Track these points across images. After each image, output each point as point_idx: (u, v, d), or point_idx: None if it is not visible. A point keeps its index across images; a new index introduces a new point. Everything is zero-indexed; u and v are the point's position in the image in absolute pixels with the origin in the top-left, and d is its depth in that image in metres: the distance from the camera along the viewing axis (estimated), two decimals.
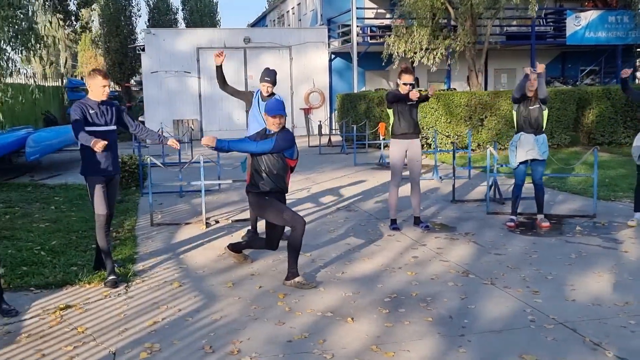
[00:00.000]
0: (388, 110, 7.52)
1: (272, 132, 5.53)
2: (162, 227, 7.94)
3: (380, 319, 4.66)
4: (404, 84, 7.25)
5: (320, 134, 18.21)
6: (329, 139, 18.72)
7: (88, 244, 6.82)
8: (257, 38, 23.03)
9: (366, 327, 4.51)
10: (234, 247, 6.16)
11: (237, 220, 8.25)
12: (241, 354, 4.09)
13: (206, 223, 7.96)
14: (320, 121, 19.69)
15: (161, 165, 9.84)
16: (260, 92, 7.05)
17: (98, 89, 5.57)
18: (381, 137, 14.28)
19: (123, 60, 31.85)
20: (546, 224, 7.52)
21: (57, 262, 6.15)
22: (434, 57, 17.43)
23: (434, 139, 12.62)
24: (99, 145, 5.17)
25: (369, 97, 17.39)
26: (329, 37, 23.44)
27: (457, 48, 17.14)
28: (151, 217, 8.13)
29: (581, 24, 21.75)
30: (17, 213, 8.73)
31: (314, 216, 8.40)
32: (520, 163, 7.50)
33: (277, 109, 5.50)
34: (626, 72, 7.48)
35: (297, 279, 5.46)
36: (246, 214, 8.46)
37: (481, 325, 4.49)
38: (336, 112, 20.60)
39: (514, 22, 22.40)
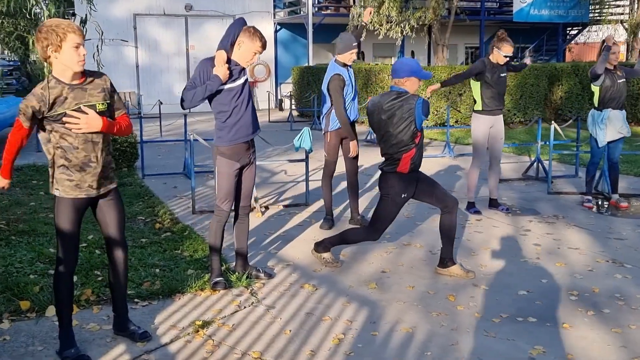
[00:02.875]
0: (474, 83, 6.84)
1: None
2: (207, 215, 6.86)
3: (594, 323, 4.02)
4: (505, 56, 6.61)
5: (281, 108, 17.23)
6: (290, 113, 17.74)
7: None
8: (200, 6, 21.46)
9: (592, 334, 3.86)
10: (324, 246, 5.13)
11: (287, 206, 7.31)
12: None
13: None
14: (287, 93, 18.57)
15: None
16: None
17: None
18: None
19: None
20: (625, 204, 7.17)
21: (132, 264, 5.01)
22: (402, 30, 16.85)
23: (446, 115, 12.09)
24: None
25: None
26: (274, 7, 22.29)
27: (427, 21, 16.65)
28: (193, 203, 7.01)
29: (527, 1, 21.93)
30: (15, 202, 7.30)
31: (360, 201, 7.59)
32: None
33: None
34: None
35: (453, 268, 4.82)
36: (290, 198, 7.54)
37: None
38: (293, 86, 19.61)
39: None
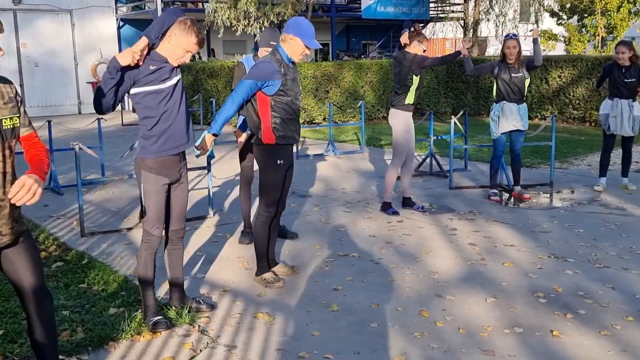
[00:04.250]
0: (415, 77, 6.48)
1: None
2: (99, 236, 5.93)
3: (579, 327, 3.85)
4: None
5: (135, 110, 16.00)
6: None
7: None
8: None
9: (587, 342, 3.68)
10: (260, 267, 4.65)
11: (189, 219, 6.53)
12: None
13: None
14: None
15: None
16: None
17: None
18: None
19: None
20: (527, 195, 7.30)
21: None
22: (261, 27, 16.35)
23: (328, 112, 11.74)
24: None
25: (195, 68, 15.72)
26: (116, 1, 20.74)
27: (287, 17, 16.29)
28: (82, 224, 6.02)
29: None
30: None
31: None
32: (502, 133, 7.12)
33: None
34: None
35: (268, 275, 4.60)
36: (195, 209, 6.79)
37: None
38: None
39: None
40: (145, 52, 3.65)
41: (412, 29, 6.51)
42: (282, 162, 4.50)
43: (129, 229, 6.22)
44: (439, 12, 24.33)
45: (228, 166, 9.39)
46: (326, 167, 9.40)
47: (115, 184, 8.24)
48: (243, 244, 5.63)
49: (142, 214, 6.42)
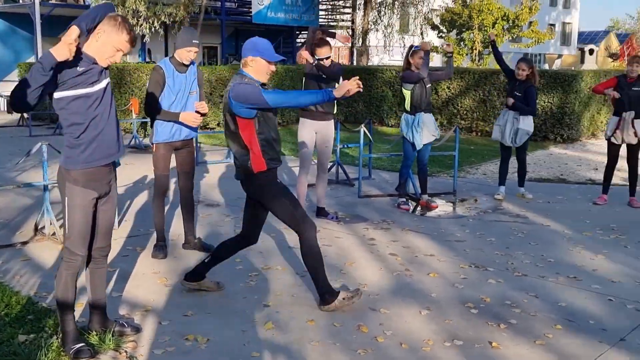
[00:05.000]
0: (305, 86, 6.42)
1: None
2: None
3: (514, 337, 3.91)
4: (319, 59, 6.27)
5: (10, 110, 14.88)
6: (22, 116, 15.36)
7: None
8: None
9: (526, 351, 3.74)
10: (197, 275, 4.49)
11: None
12: None
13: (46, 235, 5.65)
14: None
15: None
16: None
17: None
18: (134, 115, 12.28)
19: None
20: (434, 203, 7.45)
21: None
22: (151, 27, 15.75)
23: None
24: None
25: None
26: None
27: (179, 18, 15.81)
28: None
29: (264, 3, 22.31)
30: None
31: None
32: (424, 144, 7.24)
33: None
34: (492, 34, 7.83)
35: (341, 297, 4.23)
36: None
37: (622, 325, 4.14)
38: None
39: None
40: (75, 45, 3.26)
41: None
42: (279, 181, 4.26)
43: (24, 242, 5.67)
44: (329, 19, 24.64)
45: (125, 173, 8.86)
46: (228, 175, 9.13)
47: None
48: (157, 259, 5.29)
49: (37, 227, 5.90)
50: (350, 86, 3.85)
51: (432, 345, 3.76)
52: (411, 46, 7.26)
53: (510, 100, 7.57)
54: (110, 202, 3.66)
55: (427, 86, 7.09)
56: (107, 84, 3.49)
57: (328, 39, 6.59)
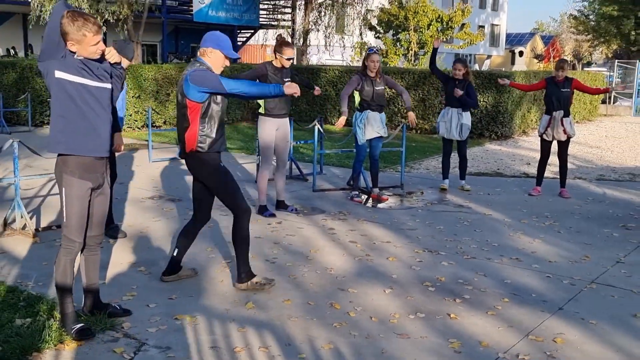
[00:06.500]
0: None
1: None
2: None
3: (469, 309, 4.42)
4: (288, 59, 6.69)
5: None
6: None
7: None
8: None
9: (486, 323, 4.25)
10: (173, 268, 4.81)
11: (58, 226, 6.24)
12: None
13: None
14: None
15: None
16: None
17: None
18: None
19: None
20: (385, 196, 7.95)
21: None
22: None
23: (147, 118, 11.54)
24: None
25: (21, 65, 14.62)
26: None
27: (122, 16, 15.80)
28: None
29: (205, 2, 22.41)
30: None
31: (160, 211, 6.98)
32: (367, 140, 7.72)
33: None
34: (437, 43, 8.36)
35: (254, 280, 4.66)
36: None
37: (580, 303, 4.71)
38: None
39: None
40: None
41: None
42: (223, 164, 4.56)
43: None
44: (270, 19, 24.94)
45: None
46: (184, 171, 9.36)
47: None
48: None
49: (6, 222, 6.03)
50: (297, 89, 4.28)
51: (398, 318, 4.22)
52: (368, 49, 7.75)
53: (459, 92, 8.14)
54: (104, 194, 3.94)
55: (377, 88, 7.57)
56: (109, 87, 3.77)
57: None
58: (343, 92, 7.56)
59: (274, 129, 6.87)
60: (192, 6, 22.13)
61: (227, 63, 4.45)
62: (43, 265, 5.05)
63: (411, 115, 7.82)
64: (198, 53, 4.47)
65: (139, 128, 14.40)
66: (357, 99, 7.68)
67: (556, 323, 4.21)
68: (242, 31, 26.24)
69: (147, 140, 12.05)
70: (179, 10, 22.83)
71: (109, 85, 3.77)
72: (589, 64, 59.44)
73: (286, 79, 6.79)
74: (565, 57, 30.52)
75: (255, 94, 4.43)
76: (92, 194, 3.86)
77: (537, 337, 3.97)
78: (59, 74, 3.60)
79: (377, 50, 7.62)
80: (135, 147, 11.78)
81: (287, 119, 7.00)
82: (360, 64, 26.68)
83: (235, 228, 4.60)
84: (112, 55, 3.78)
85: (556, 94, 8.07)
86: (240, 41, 26.30)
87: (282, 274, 5.02)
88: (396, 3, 25.02)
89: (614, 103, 24.24)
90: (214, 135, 4.44)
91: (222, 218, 6.63)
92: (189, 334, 3.89)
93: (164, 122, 14.67)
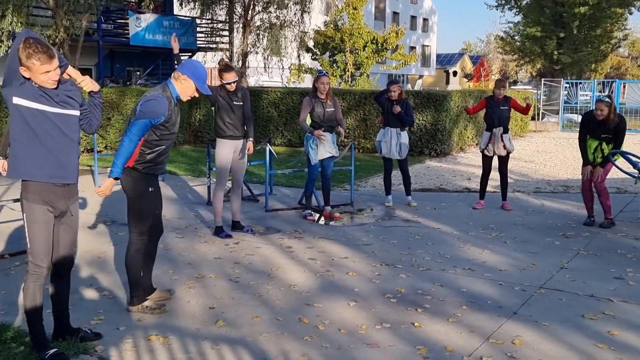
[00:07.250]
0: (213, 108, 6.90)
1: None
2: None
3: (431, 317, 4.64)
4: (227, 83, 6.83)
5: None
6: None
7: None
8: None
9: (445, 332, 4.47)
10: (145, 291, 4.78)
11: (15, 254, 6.14)
12: None
13: None
14: None
15: None
16: None
17: None
18: None
19: None
20: (337, 214, 8.15)
21: None
22: None
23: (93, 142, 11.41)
24: None
25: None
26: None
27: (58, 40, 15.55)
28: None
29: (142, 25, 22.26)
30: None
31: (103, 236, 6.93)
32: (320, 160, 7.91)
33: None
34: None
35: (145, 304, 4.68)
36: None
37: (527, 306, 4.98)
38: None
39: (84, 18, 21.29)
40: None
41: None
42: (152, 189, 4.62)
43: None
44: (208, 42, 24.96)
45: None
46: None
47: None
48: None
49: None
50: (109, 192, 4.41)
51: (365, 329, 4.39)
52: (318, 71, 7.99)
53: (397, 108, 8.44)
54: (69, 224, 3.93)
55: (327, 109, 7.80)
56: (74, 114, 3.79)
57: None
58: (300, 118, 7.74)
59: (231, 151, 6.97)
60: (128, 29, 21.92)
61: (197, 95, 4.53)
62: (2, 294, 4.97)
63: (340, 129, 7.98)
64: (172, 75, 4.52)
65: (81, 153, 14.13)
66: (308, 120, 7.88)
67: (513, 326, 4.47)
68: (180, 54, 26.13)
69: (89, 166, 11.92)
70: (114, 33, 22.56)
71: (72, 112, 3.79)
72: (515, 82, 62.02)
73: (236, 102, 6.93)
74: (500, 77, 31.76)
75: (126, 152, 4.35)
76: (56, 220, 3.86)
77: (497, 340, 4.22)
78: (16, 100, 3.62)
79: (326, 72, 7.85)
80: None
81: (243, 140, 7.11)
82: (294, 85, 26.94)
83: (130, 251, 4.64)
84: (87, 84, 3.83)
85: (497, 112, 8.50)
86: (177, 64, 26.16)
87: (247, 292, 5.12)
88: (332, 25, 25.56)
89: (542, 119, 25.38)
90: (153, 157, 4.47)
91: (177, 240, 6.66)
92: (164, 353, 3.94)
93: (105, 147, 14.46)
